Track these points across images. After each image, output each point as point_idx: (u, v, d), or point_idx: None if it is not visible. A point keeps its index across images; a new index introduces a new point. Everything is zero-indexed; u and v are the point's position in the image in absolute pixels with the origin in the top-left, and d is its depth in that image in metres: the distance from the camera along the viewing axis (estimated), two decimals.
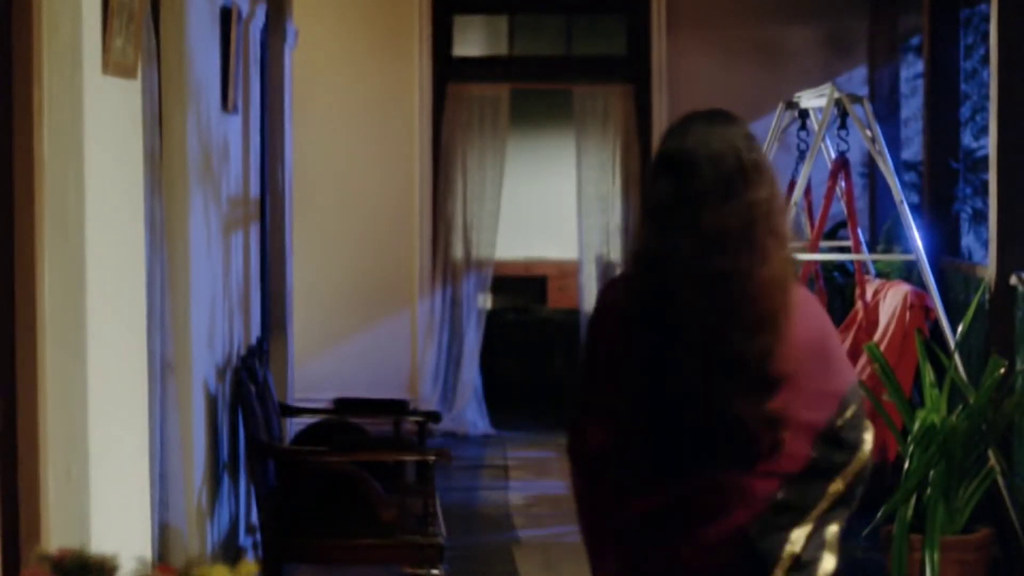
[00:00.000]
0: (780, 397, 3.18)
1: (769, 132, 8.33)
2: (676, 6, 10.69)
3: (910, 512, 6.20)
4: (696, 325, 3.16)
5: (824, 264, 8.78)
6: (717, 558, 3.22)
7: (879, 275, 8.55)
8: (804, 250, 8.11)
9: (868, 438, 3.31)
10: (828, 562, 3.32)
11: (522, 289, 12.73)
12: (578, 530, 3.40)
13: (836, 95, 7.59)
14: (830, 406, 3.24)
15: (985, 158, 8.50)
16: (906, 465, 6.30)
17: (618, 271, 3.36)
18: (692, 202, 3.17)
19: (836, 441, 3.25)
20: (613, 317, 3.30)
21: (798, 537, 3.25)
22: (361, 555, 6.03)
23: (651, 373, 3.19)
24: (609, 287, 3.44)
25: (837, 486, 3.27)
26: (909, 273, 8.59)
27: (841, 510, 3.31)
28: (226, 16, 6.42)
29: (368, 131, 10.76)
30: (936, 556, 6.13)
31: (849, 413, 3.27)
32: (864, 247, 8.14)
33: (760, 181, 3.21)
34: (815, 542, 3.28)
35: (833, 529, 3.32)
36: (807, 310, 3.27)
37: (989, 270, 7.25)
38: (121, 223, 4.03)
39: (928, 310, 7.46)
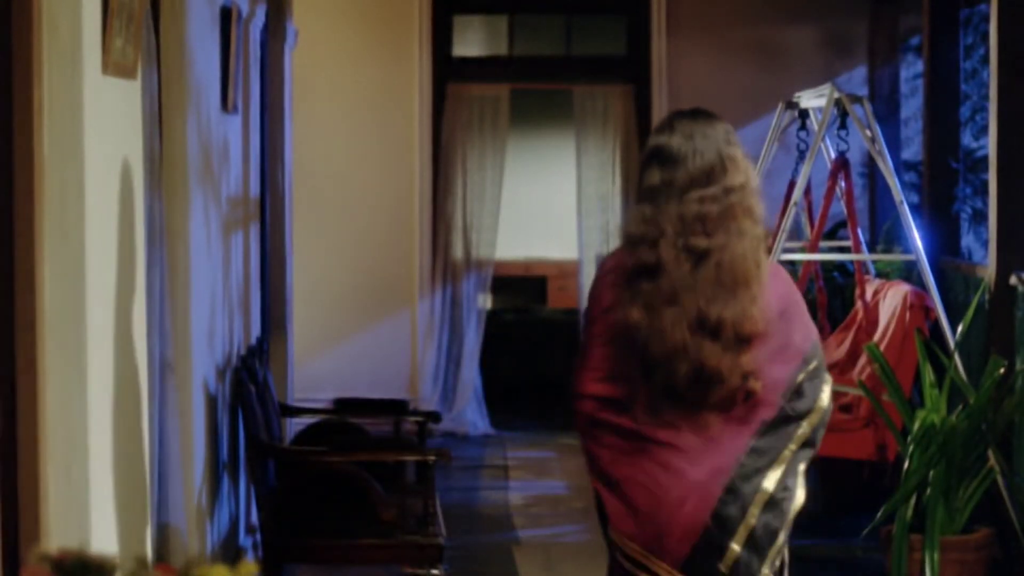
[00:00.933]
0: (753, 353, 3.75)
1: (769, 132, 8.33)
2: (676, 6, 10.69)
3: (910, 512, 6.20)
4: (682, 293, 3.74)
5: (824, 264, 8.78)
6: (702, 495, 3.76)
7: (879, 275, 8.55)
8: (804, 250, 8.11)
9: (827, 389, 3.89)
10: (799, 497, 3.86)
11: (522, 289, 12.73)
12: (590, 480, 3.95)
13: (836, 95, 7.59)
14: (796, 361, 3.83)
15: (985, 158, 8.50)
16: (906, 465, 6.30)
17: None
18: (678, 189, 3.76)
19: (800, 391, 3.83)
20: (610, 284, 3.87)
21: (772, 477, 3.79)
22: (361, 555, 6.03)
23: (643, 333, 3.75)
24: (609, 257, 3.99)
25: (803, 430, 3.83)
26: (909, 273, 8.59)
27: (807, 451, 3.86)
28: (226, 16, 6.42)
29: (368, 131, 10.76)
30: (936, 556, 6.13)
31: (812, 367, 3.86)
32: (864, 247, 8.14)
33: (736, 170, 3.79)
34: (786, 481, 3.82)
35: (801, 468, 3.85)
36: (775, 278, 3.86)
37: (989, 270, 7.25)
38: (121, 223, 4.03)
39: (928, 310, 7.46)
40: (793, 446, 3.81)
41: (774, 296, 3.81)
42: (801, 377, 3.83)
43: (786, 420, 3.81)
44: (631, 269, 3.80)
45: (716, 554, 3.77)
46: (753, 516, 3.77)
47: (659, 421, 3.78)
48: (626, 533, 3.82)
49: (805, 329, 3.88)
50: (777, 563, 3.88)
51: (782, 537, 3.84)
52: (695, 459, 3.77)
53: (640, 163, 3.90)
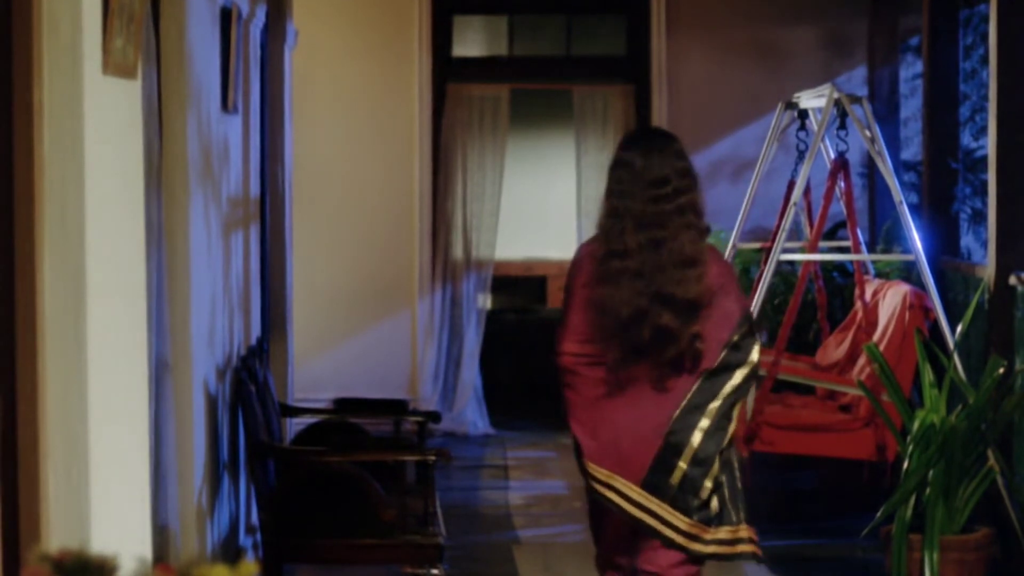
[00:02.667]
0: (699, 319, 4.84)
1: (769, 132, 8.33)
2: (676, 6, 10.69)
3: (910, 512, 6.20)
4: (644, 271, 4.83)
5: (824, 264, 8.78)
6: (658, 427, 4.85)
7: (878, 275, 8.55)
8: (804, 250, 8.11)
9: (756, 348, 4.95)
10: (731, 429, 4.90)
11: (522, 289, 12.72)
12: (568, 420, 5.01)
13: (836, 95, 7.60)
14: (732, 324, 4.90)
15: (984, 158, 8.50)
16: (906, 465, 6.30)
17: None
18: (639, 192, 4.86)
19: (736, 347, 4.90)
20: (586, 265, 4.98)
21: (711, 411, 4.86)
22: (361, 555, 6.03)
23: (614, 303, 4.83)
24: (585, 244, 5.11)
25: (736, 378, 4.90)
26: (908, 273, 8.59)
27: (738, 394, 4.91)
28: (226, 16, 6.42)
29: (368, 131, 10.76)
30: (936, 556, 6.14)
31: (744, 329, 4.92)
32: (863, 247, 8.14)
33: (685, 178, 4.89)
34: (722, 415, 4.87)
35: (734, 410, 4.90)
36: (714, 260, 4.93)
37: (988, 270, 7.26)
38: (121, 223, 4.03)
39: (927, 310, 7.46)
40: (728, 389, 4.88)
41: (714, 274, 4.89)
42: (736, 337, 4.90)
43: (723, 369, 4.88)
44: (604, 253, 4.90)
45: (668, 471, 4.83)
46: (696, 440, 4.83)
47: (627, 373, 4.86)
48: (594, 460, 4.90)
49: (738, 300, 4.96)
50: (721, 479, 4.88)
51: (719, 458, 4.86)
52: (654, 401, 4.86)
53: (608, 170, 4.99)
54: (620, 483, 4.86)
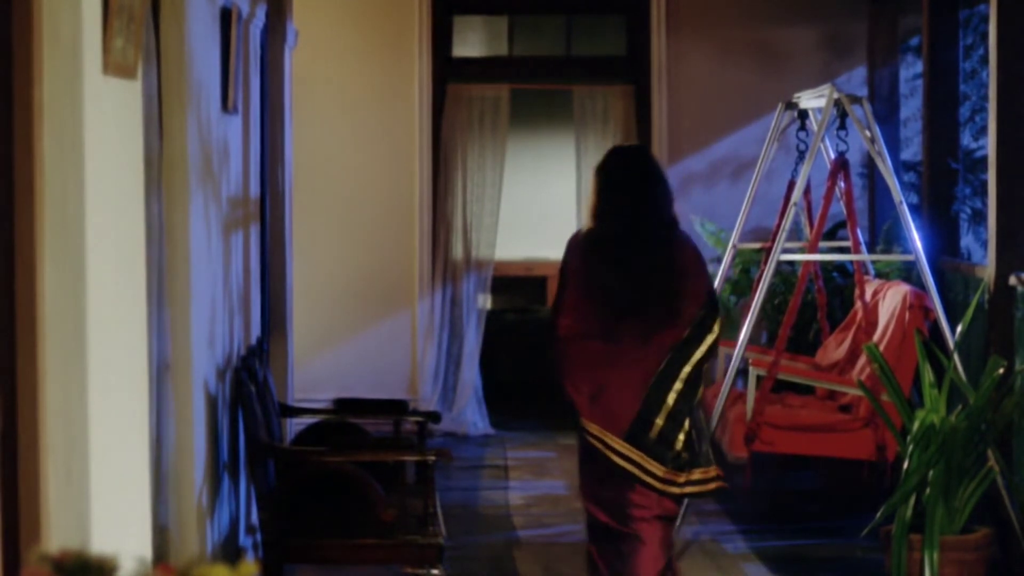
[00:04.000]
0: (675, 299, 5.70)
1: (769, 132, 8.33)
2: (676, 6, 10.69)
3: (910, 512, 6.21)
4: (628, 254, 5.70)
5: (824, 264, 8.78)
6: (638, 388, 5.66)
7: (878, 275, 8.56)
8: (804, 250, 8.11)
9: (718, 321, 5.78)
10: (699, 391, 5.73)
11: (522, 289, 12.72)
12: (565, 391, 5.77)
13: (836, 96, 7.60)
14: (700, 301, 5.74)
15: (984, 158, 8.50)
16: (906, 465, 6.30)
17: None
18: (621, 191, 5.78)
19: (702, 322, 5.73)
20: (579, 251, 5.82)
21: (682, 377, 5.68)
22: (361, 555, 6.03)
23: (599, 285, 5.70)
24: (576, 235, 5.93)
25: (702, 348, 5.73)
26: (908, 273, 8.60)
27: (704, 361, 5.73)
28: (226, 16, 6.42)
29: (368, 131, 10.76)
30: (936, 556, 6.14)
31: (708, 307, 5.75)
32: (863, 247, 8.14)
33: (658, 179, 5.82)
34: (691, 379, 5.69)
35: (700, 373, 5.72)
36: (686, 245, 5.80)
37: (988, 270, 7.26)
38: (121, 223, 4.03)
39: (927, 310, 7.46)
40: (696, 357, 5.70)
41: (684, 257, 5.75)
42: (702, 313, 5.73)
43: (692, 340, 5.71)
44: (593, 239, 5.77)
45: (647, 427, 5.65)
46: (671, 400, 5.65)
47: (613, 340, 5.68)
48: (588, 417, 5.68)
49: (704, 282, 5.79)
50: (693, 433, 5.67)
51: (690, 416, 5.67)
52: (635, 364, 5.67)
53: (596, 173, 5.91)
54: (608, 437, 5.66)
